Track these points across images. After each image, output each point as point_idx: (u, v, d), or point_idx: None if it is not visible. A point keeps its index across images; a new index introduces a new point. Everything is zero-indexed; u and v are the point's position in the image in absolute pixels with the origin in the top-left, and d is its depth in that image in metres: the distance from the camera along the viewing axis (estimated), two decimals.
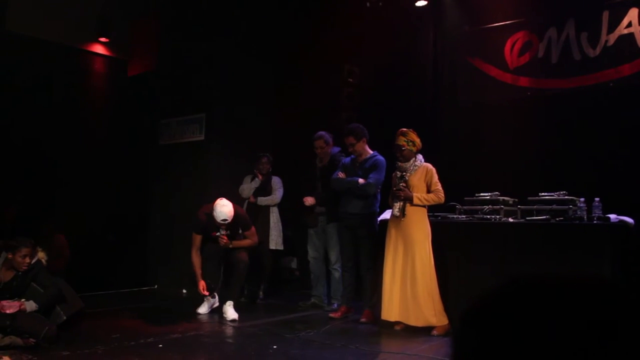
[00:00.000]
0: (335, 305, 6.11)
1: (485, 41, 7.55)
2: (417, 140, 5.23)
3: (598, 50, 6.86)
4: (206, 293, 5.79)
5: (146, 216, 8.32)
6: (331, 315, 5.82)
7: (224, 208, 5.68)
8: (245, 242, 5.97)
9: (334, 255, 6.18)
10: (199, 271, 5.80)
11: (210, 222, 5.77)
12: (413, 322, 4.99)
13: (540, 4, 7.30)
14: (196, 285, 5.87)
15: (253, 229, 6.05)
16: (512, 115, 7.01)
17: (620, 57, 6.73)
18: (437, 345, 4.67)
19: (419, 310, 4.92)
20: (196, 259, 5.82)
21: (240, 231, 5.99)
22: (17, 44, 7.09)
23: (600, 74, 6.88)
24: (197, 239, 5.87)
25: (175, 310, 6.22)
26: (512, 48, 7.36)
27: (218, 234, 5.73)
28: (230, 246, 5.78)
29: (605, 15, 6.79)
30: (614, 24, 6.75)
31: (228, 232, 5.78)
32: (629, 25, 6.69)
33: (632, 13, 6.65)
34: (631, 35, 6.67)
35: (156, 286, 8.02)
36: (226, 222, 5.67)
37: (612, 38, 6.77)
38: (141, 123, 8.32)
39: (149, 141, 8.35)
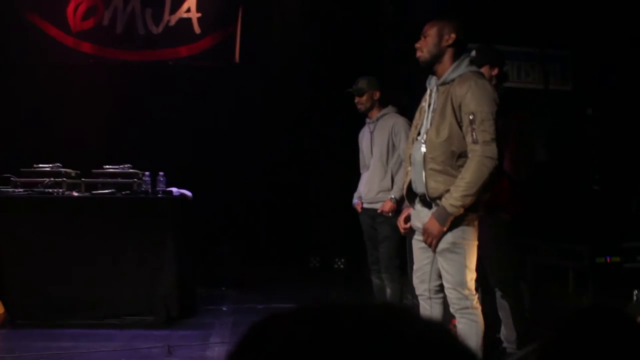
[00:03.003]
0: None
1: None
2: None
3: (161, 28, 7.11)
4: None
5: None
6: None
7: None
8: None
9: None
10: None
11: None
12: None
13: None
14: None
15: None
16: (75, 81, 6.67)
17: (179, 38, 7.13)
18: None
19: None
20: None
21: None
22: None
23: (161, 52, 7.16)
24: None
25: None
26: (75, 10, 6.94)
27: None
28: None
29: None
30: (176, 6, 7.09)
31: None
32: (188, 10, 7.14)
33: (191, 0, 7.12)
34: (189, 20, 7.13)
35: None
36: None
37: (174, 19, 7.11)
38: None
39: None
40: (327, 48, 6.97)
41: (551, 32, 5.55)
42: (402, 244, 3.96)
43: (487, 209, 3.20)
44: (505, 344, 3.49)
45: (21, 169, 4.79)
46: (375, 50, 6.64)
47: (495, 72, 3.50)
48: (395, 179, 3.97)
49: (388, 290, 4.08)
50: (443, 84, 2.72)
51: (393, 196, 3.92)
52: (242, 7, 7.16)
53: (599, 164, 3.82)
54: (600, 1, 5.29)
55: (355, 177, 4.35)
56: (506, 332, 3.47)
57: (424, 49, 2.75)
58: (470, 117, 2.58)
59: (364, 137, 4.27)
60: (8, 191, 4.66)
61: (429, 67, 2.79)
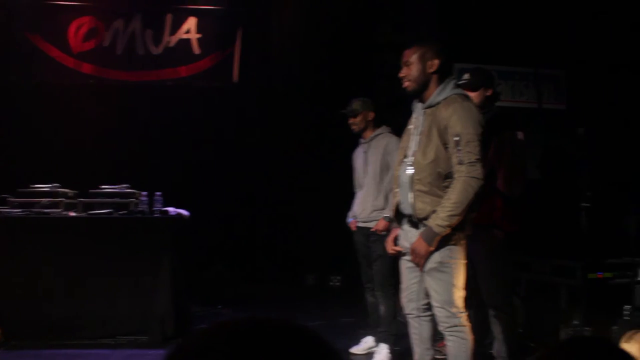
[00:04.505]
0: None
1: (48, 19, 7.02)
2: None
3: (160, 49, 7.22)
4: None
5: None
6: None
7: None
8: None
9: None
10: None
11: None
12: None
13: None
14: None
15: None
16: (75, 102, 6.74)
17: (179, 58, 7.24)
18: None
19: None
20: None
21: None
22: None
23: (161, 72, 7.26)
24: None
25: None
26: (76, 31, 7.06)
27: None
28: None
29: (169, 17, 7.20)
30: (176, 27, 7.21)
31: None
32: (188, 31, 7.25)
33: (191, 21, 7.24)
34: (189, 40, 7.24)
35: None
36: None
37: (174, 40, 7.22)
38: None
39: None
40: (324, 68, 7.04)
41: (545, 53, 5.62)
42: (396, 262, 3.98)
43: (482, 227, 3.24)
44: None
45: (18, 189, 4.83)
46: (372, 70, 6.71)
47: (489, 92, 3.56)
48: (389, 198, 4.01)
49: (382, 308, 4.09)
50: (429, 106, 2.76)
51: (387, 215, 3.95)
52: (241, 28, 7.27)
53: (590, 182, 3.86)
54: (593, 23, 5.36)
55: (350, 196, 4.38)
56: (499, 348, 3.47)
57: (410, 78, 2.77)
58: (456, 139, 2.61)
59: (358, 156, 4.31)
60: (5, 211, 4.70)
61: (417, 95, 2.82)
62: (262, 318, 0.72)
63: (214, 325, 0.73)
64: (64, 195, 4.84)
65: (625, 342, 3.09)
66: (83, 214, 4.72)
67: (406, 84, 2.80)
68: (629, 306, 3.58)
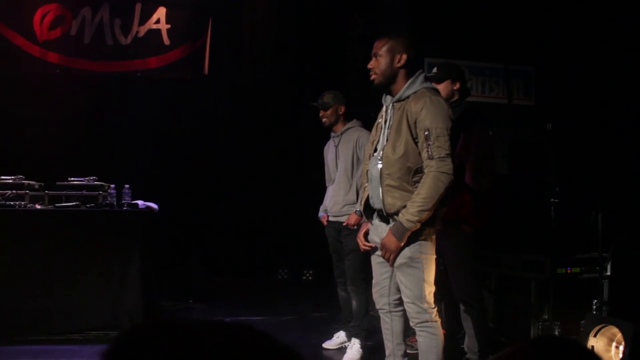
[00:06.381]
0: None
1: (13, 5, 6.82)
2: None
3: (129, 39, 7.08)
4: None
5: None
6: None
7: None
8: None
9: None
10: None
11: None
12: None
13: None
14: None
15: None
16: (41, 91, 6.58)
17: (148, 49, 7.11)
18: None
19: None
20: None
21: None
22: None
23: (130, 62, 7.12)
24: None
25: None
26: (42, 19, 6.87)
27: None
28: None
29: (138, 7, 7.06)
30: (145, 17, 7.08)
31: None
32: (158, 21, 7.13)
33: (161, 11, 7.11)
34: (159, 31, 7.12)
35: None
36: None
37: (143, 30, 7.09)
38: None
39: None
40: (296, 61, 7.01)
41: (515, 49, 5.68)
42: (367, 256, 3.99)
43: (450, 222, 3.26)
44: (469, 355, 3.53)
45: None
46: (344, 64, 6.70)
47: (457, 86, 3.57)
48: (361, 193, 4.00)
49: (354, 303, 4.10)
50: (398, 100, 2.75)
51: (358, 209, 3.94)
52: (211, 19, 7.18)
53: (559, 177, 3.93)
54: (563, 20, 5.44)
55: (323, 189, 4.37)
56: (470, 343, 3.51)
57: (377, 71, 2.76)
58: (426, 133, 2.60)
59: (329, 150, 4.29)
60: None
61: (384, 89, 2.82)
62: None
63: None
64: (30, 187, 4.72)
65: (593, 336, 3.15)
66: (49, 207, 4.61)
67: (373, 76, 2.78)
68: (597, 301, 3.66)
